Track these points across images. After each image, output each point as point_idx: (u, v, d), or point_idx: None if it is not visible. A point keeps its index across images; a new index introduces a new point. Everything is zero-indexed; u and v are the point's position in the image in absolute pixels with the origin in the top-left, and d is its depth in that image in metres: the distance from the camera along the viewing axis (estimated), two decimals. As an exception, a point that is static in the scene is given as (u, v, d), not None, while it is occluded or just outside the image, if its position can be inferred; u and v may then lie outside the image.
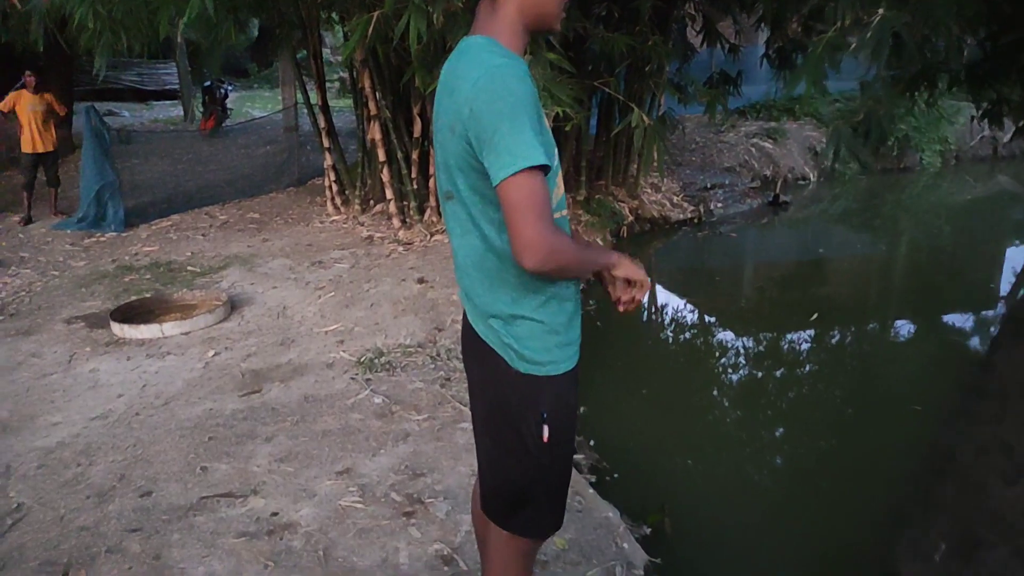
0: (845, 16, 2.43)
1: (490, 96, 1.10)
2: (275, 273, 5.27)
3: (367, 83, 5.76)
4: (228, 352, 3.87)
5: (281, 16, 5.90)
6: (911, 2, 2.51)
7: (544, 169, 1.10)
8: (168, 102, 16.16)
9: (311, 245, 6.07)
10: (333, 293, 4.78)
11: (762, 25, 6.93)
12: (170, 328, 4.15)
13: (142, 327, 4.14)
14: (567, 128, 4.92)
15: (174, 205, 7.54)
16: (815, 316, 5.21)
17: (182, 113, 13.64)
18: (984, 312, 5.69)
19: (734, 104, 9.05)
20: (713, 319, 5.74)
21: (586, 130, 6.83)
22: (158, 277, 5.35)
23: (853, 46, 2.37)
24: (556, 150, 1.25)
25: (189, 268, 5.53)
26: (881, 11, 2.27)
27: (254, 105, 15.27)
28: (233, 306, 4.56)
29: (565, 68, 4.08)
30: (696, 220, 8.19)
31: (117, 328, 4.17)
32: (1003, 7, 3.31)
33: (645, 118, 3.72)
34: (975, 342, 5.12)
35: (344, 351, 3.81)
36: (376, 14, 3.74)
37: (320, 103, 6.86)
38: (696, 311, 5.97)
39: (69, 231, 6.72)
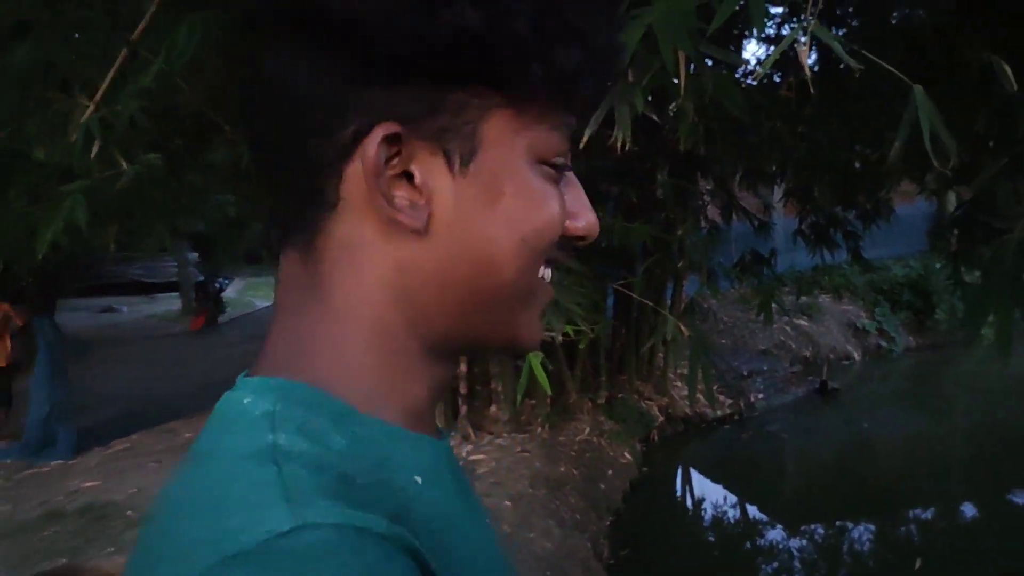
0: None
1: None
2: (224, 523, 4.27)
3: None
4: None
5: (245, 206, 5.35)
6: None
7: None
8: (172, 294, 15.88)
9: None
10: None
11: (782, 197, 6.38)
12: (58, 627, 3.10)
13: (20, 628, 3.09)
14: (581, 345, 4.09)
15: (137, 420, 6.67)
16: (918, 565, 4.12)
17: (180, 307, 13.20)
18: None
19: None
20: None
21: (604, 325, 6.03)
22: (85, 529, 4.37)
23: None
24: None
25: (127, 513, 4.55)
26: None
27: (257, 294, 14.86)
28: (157, 581, 3.53)
29: (572, 266, 3.30)
30: (736, 416, 7.16)
31: (-11, 629, 3.13)
32: None
33: (683, 328, 2.85)
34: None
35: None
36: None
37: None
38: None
39: (10, 460, 5.81)
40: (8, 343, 6.41)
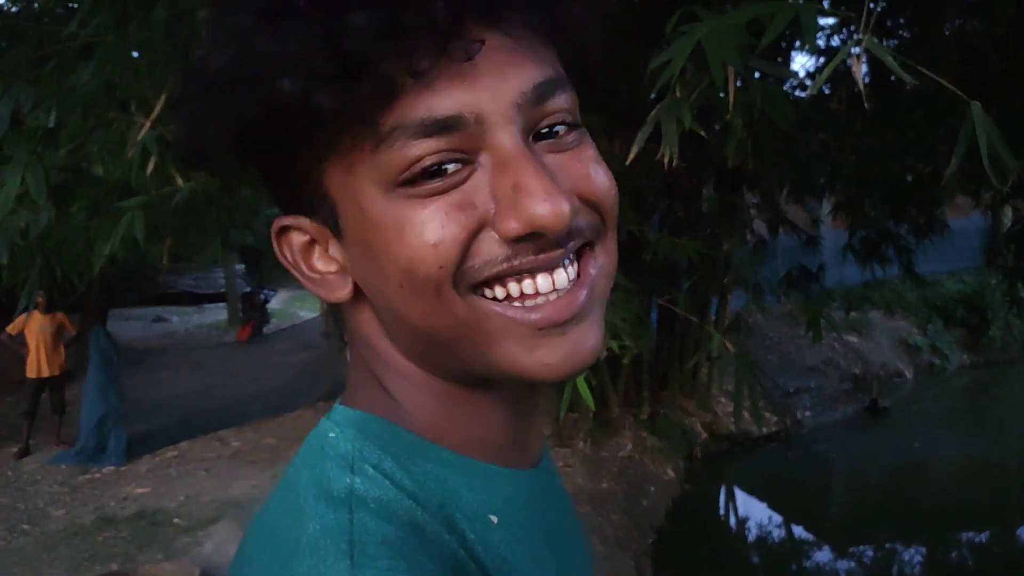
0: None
1: None
2: (270, 532, 4.33)
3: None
4: None
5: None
6: None
7: None
8: (219, 304, 16.21)
9: (326, 484, 5.16)
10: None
11: (831, 211, 6.25)
12: (111, 631, 3.18)
13: (74, 631, 3.17)
14: (625, 360, 4.05)
15: (187, 429, 6.80)
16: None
17: (227, 318, 13.46)
18: None
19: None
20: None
21: (648, 340, 5.98)
22: (136, 535, 4.47)
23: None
24: None
25: (176, 521, 4.64)
26: None
27: (303, 305, 15.08)
28: (205, 588, 3.59)
29: (619, 282, 3.27)
30: (783, 434, 7.02)
31: (45, 631, 3.22)
32: None
33: (729, 345, 2.81)
34: None
35: None
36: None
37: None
38: None
39: (65, 466, 5.98)
40: (63, 352, 6.61)
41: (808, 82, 5.04)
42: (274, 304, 13.37)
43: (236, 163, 0.46)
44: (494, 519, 0.45)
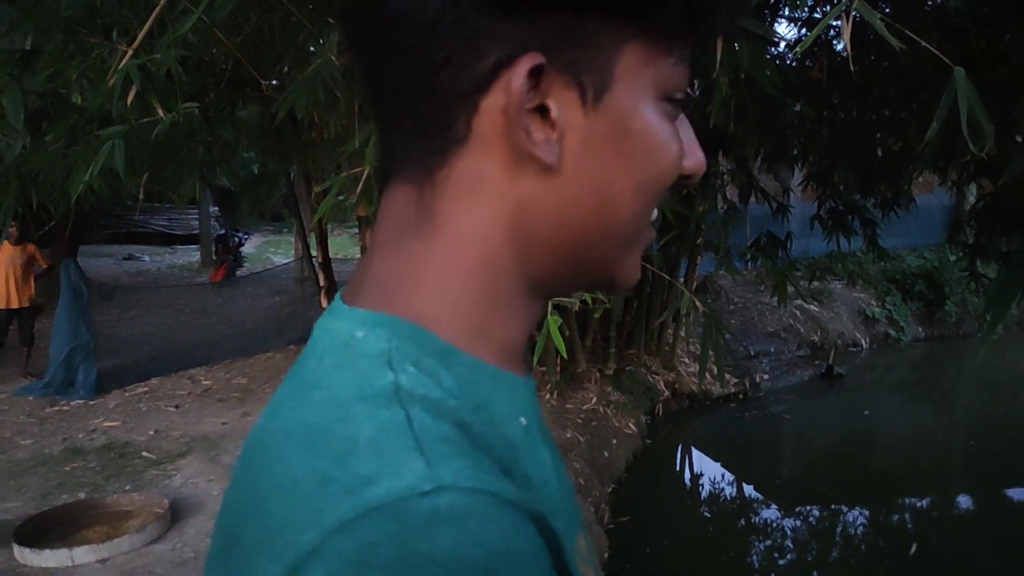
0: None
1: None
2: (241, 467, 4.38)
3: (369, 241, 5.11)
4: (145, 598, 2.94)
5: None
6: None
7: None
8: (193, 246, 15.99)
9: (296, 424, 5.21)
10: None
11: (802, 181, 6.36)
12: (82, 554, 3.23)
13: (46, 552, 3.22)
14: (596, 315, 4.14)
15: (158, 366, 6.79)
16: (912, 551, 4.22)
17: (199, 259, 13.30)
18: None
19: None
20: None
21: (619, 296, 6.08)
22: (105, 466, 4.50)
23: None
24: None
25: (145, 454, 4.68)
26: None
27: (277, 251, 14.96)
28: (175, 516, 3.65)
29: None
30: (741, 395, 7.23)
31: (17, 552, 3.27)
32: None
33: (698, 303, 2.91)
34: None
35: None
36: (365, 170, 3.08)
37: (320, 258, 6.21)
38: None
39: (32, 397, 5.96)
40: (33, 284, 6.53)
41: (789, 52, 5.09)
42: (248, 248, 13.24)
43: None
44: (524, 421, 0.46)
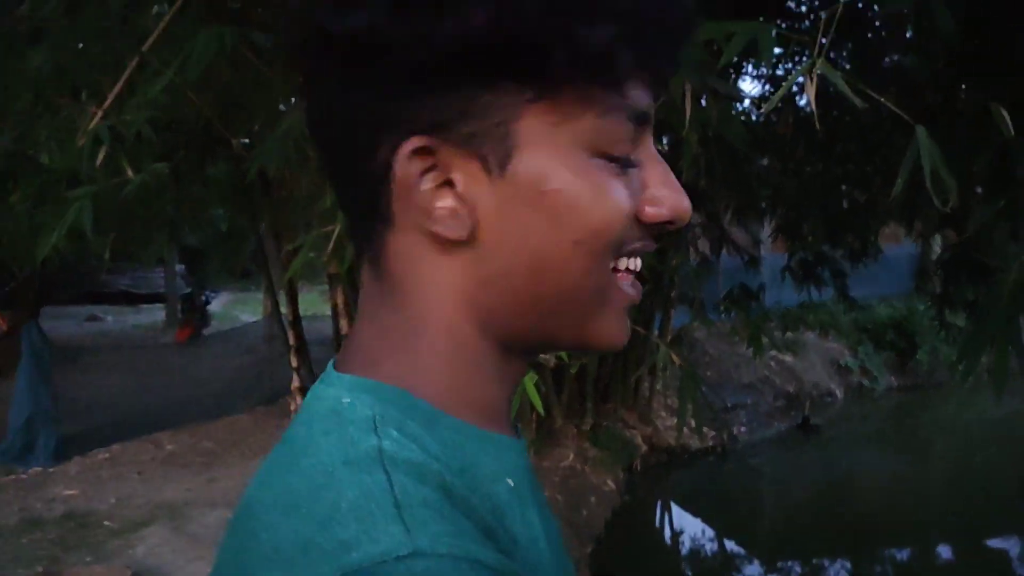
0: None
1: None
2: (207, 536, 4.22)
3: (340, 300, 5.06)
4: None
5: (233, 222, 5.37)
6: None
7: None
8: (159, 305, 15.77)
9: (265, 489, 5.06)
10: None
11: (772, 233, 6.47)
12: (36, 634, 3.07)
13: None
14: (572, 370, 4.12)
15: (120, 431, 6.59)
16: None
17: (165, 318, 13.11)
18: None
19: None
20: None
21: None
22: (64, 537, 4.31)
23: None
24: None
25: (106, 523, 4.50)
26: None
27: (245, 308, 14.79)
28: (137, 591, 3.50)
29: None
30: (719, 448, 7.19)
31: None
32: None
33: (675, 357, 2.89)
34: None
35: None
36: (336, 228, 3.06)
37: (290, 316, 6.14)
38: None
39: (-12, 465, 5.73)
40: (-8, 347, 6.37)
41: (754, 108, 5.22)
42: (215, 306, 13.09)
43: (409, 67, 0.42)
44: (511, 482, 0.46)
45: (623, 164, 0.45)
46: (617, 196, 0.44)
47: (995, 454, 7.60)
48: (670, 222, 0.47)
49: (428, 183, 0.44)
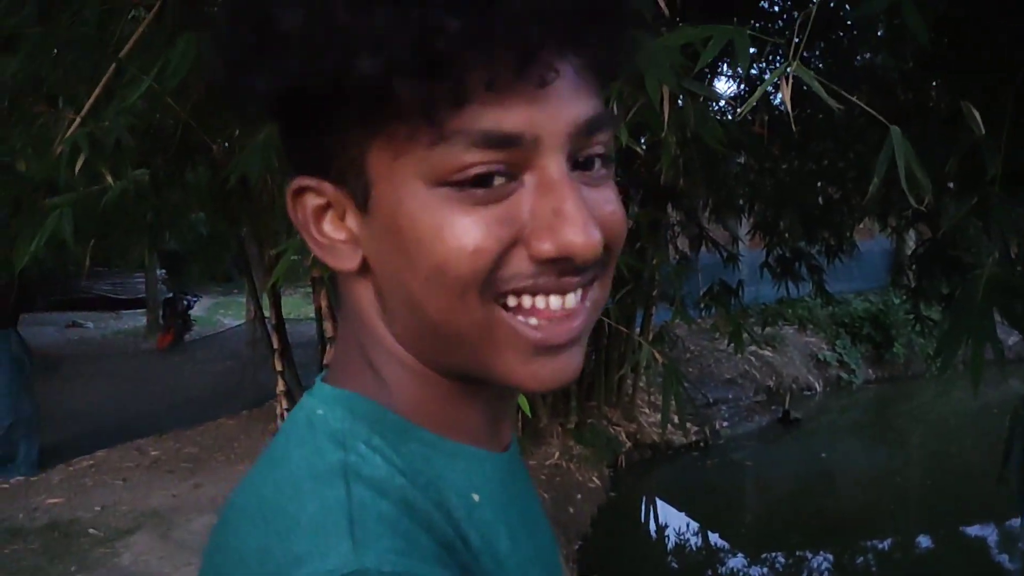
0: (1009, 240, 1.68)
1: None
2: (193, 542, 4.20)
3: (324, 303, 5.06)
4: None
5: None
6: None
7: None
8: (140, 310, 15.58)
9: (251, 493, 5.05)
10: None
11: (750, 230, 6.54)
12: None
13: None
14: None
15: (103, 438, 6.54)
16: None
17: (146, 324, 12.97)
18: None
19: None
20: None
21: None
22: (48, 547, 4.28)
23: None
24: None
25: (91, 531, 4.47)
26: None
27: (228, 313, 14.67)
28: (125, 599, 3.48)
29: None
30: (703, 443, 7.26)
31: (-50, 646, 3.07)
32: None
33: (657, 354, 2.93)
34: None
35: None
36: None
37: (274, 319, 6.12)
38: None
39: (-32, 475, 5.67)
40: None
41: (730, 108, 5.29)
42: (197, 311, 12.96)
43: (265, 113, 0.45)
44: (476, 497, 0.47)
45: (464, 187, 0.41)
46: (458, 230, 0.41)
47: (972, 444, 7.73)
48: (566, 258, 0.42)
49: (327, 218, 0.46)
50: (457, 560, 0.42)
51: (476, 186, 0.41)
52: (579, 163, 0.44)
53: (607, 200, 0.45)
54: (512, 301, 0.43)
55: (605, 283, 0.48)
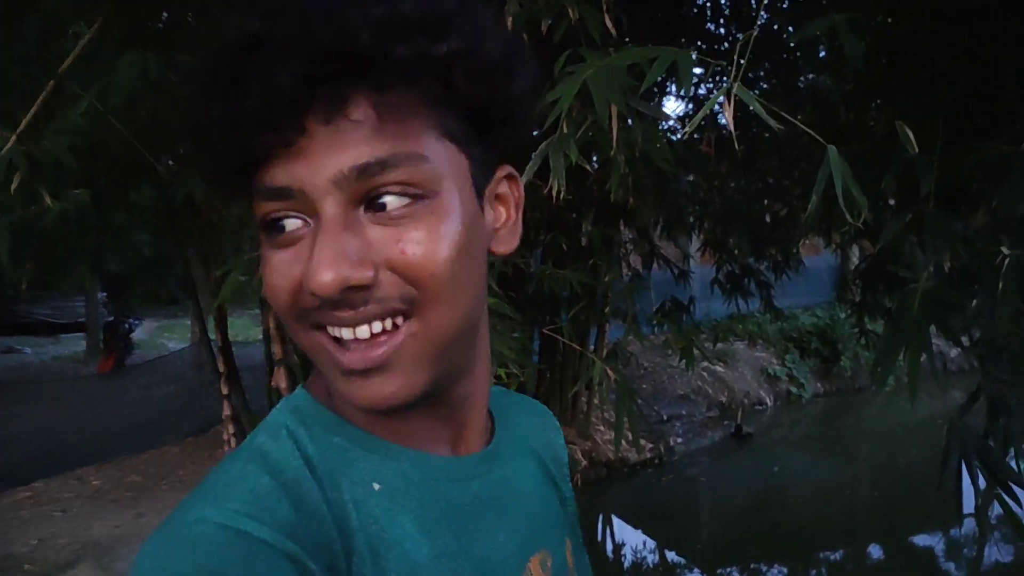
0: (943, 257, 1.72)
1: None
2: (137, 574, 4.06)
3: (272, 324, 4.96)
4: None
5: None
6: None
7: None
8: (79, 334, 15.10)
9: (198, 522, 4.90)
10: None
11: (700, 247, 6.64)
12: None
13: None
14: (513, 388, 4.12)
15: (42, 467, 6.30)
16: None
17: (86, 348, 12.56)
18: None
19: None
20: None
21: (532, 368, 6.10)
22: (-20, 583, 4.08)
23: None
24: None
25: (27, 567, 4.29)
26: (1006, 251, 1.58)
27: (172, 336, 14.32)
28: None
29: (507, 313, 3.35)
30: (657, 460, 7.30)
31: None
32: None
33: (610, 372, 2.94)
34: None
35: None
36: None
37: (220, 342, 5.98)
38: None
39: None
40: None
41: (679, 127, 5.38)
42: (140, 334, 12.62)
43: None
44: (376, 486, 0.51)
45: (274, 230, 0.49)
46: (267, 269, 0.49)
47: (917, 454, 7.93)
48: (318, 296, 0.47)
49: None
50: (323, 533, 0.47)
51: (274, 231, 0.49)
52: (373, 202, 0.47)
53: (398, 239, 0.47)
54: (332, 331, 0.49)
55: (427, 317, 0.49)
